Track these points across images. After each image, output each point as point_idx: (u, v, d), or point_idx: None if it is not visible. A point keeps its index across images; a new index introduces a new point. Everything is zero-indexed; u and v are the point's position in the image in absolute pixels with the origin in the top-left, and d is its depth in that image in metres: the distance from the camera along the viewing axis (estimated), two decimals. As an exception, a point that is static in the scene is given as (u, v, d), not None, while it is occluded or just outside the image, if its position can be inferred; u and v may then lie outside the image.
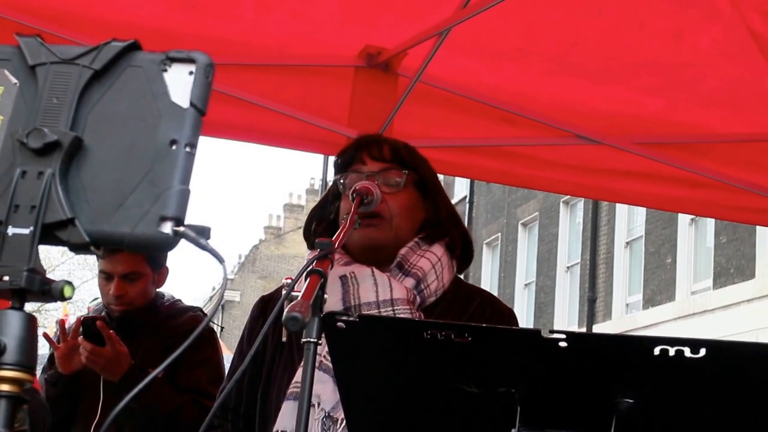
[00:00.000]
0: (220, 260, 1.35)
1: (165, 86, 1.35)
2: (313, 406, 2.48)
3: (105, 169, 1.33)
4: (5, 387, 1.31)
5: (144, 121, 1.34)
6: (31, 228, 1.31)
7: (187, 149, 1.32)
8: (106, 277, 3.94)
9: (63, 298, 1.33)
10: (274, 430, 2.55)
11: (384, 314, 2.57)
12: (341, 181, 2.75)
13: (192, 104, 1.35)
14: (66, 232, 1.31)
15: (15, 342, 1.31)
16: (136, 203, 1.29)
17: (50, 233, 1.32)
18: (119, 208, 1.30)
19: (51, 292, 1.32)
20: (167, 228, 1.29)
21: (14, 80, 1.38)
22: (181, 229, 1.30)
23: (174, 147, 1.32)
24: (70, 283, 1.33)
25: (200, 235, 1.31)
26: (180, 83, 1.36)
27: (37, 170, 1.32)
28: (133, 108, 1.35)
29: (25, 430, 1.18)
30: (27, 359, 1.32)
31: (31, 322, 1.34)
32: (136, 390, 1.43)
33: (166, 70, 1.36)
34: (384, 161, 2.75)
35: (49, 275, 1.33)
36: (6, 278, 1.31)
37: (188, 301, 4.29)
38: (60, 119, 1.34)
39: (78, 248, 1.32)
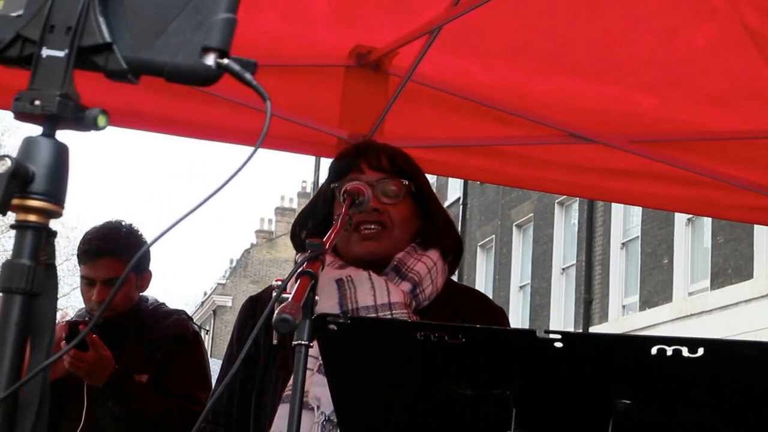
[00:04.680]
0: (264, 97, 1.27)
1: None
2: (313, 409, 2.50)
3: None
4: (32, 217, 1.24)
5: None
6: (66, 51, 1.24)
7: None
8: (88, 282, 3.92)
9: (96, 127, 1.25)
10: None
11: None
12: (338, 189, 2.75)
13: None
14: (103, 57, 1.24)
15: (44, 171, 1.24)
16: (178, 31, 1.23)
17: (86, 58, 1.25)
18: (160, 35, 1.23)
19: (84, 119, 1.25)
20: (210, 60, 1.22)
21: None
22: (225, 61, 1.23)
23: None
24: (104, 112, 1.26)
25: (245, 69, 1.25)
26: None
27: None
28: None
29: (51, 264, 1.13)
30: (56, 190, 1.25)
31: (62, 150, 1.26)
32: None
33: None
34: (382, 171, 2.77)
35: None
36: (38, 102, 1.24)
37: (180, 305, 4.27)
38: None
39: (115, 75, 1.25)
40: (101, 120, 1.26)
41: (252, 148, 1.27)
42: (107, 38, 1.24)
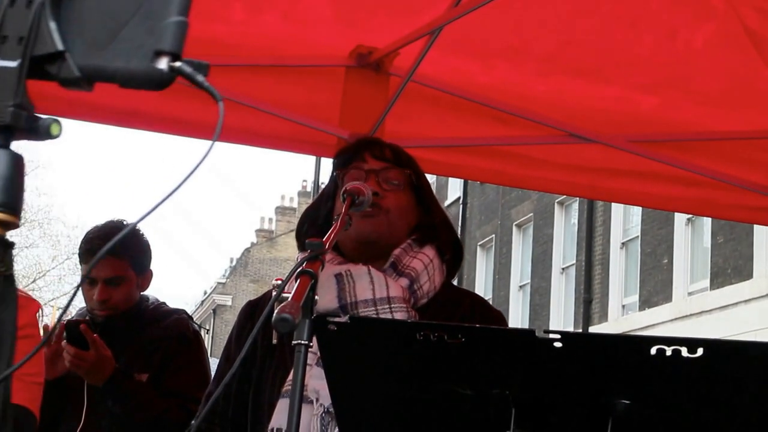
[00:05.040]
0: (217, 98, 1.26)
1: None
2: (312, 402, 2.51)
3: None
4: None
5: None
6: (19, 60, 1.24)
7: None
8: (89, 281, 3.93)
9: (50, 136, 1.26)
10: (270, 427, 2.57)
11: (381, 312, 2.60)
12: (341, 177, 2.77)
13: None
14: (56, 66, 1.24)
15: (0, 182, 1.24)
16: (131, 36, 1.22)
17: (40, 67, 1.25)
18: (112, 41, 1.22)
19: (38, 129, 1.25)
20: (163, 63, 1.21)
21: None
22: (178, 64, 1.22)
23: None
24: (57, 121, 1.26)
25: (197, 71, 1.24)
26: None
27: None
28: None
29: (10, 275, 1.12)
30: (11, 199, 1.25)
31: (17, 161, 1.26)
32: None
33: None
34: (385, 160, 2.79)
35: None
36: None
37: (179, 305, 4.28)
38: None
39: (69, 83, 1.25)
40: (54, 129, 1.26)
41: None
42: (59, 47, 1.24)
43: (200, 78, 1.24)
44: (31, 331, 2.90)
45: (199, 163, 1.29)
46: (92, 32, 1.24)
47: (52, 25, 1.24)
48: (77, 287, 1.58)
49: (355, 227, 2.64)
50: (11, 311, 1.30)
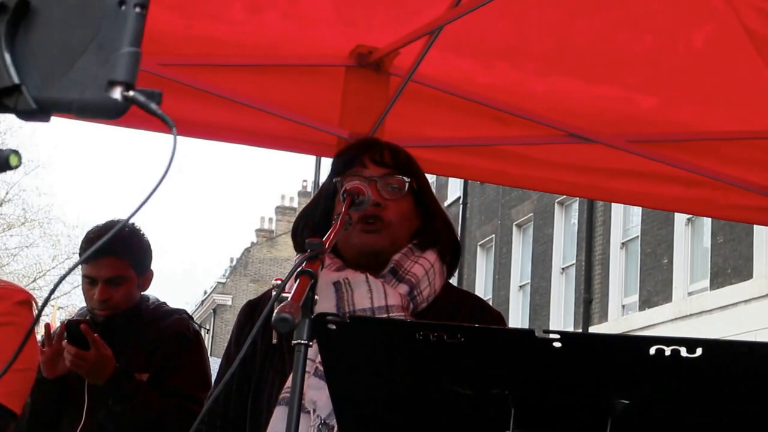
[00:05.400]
0: (170, 125, 1.27)
1: None
2: (309, 412, 2.47)
3: (53, 32, 1.26)
4: None
5: None
6: None
7: (137, 9, 1.25)
8: (90, 281, 3.94)
9: (9, 167, 1.27)
10: None
11: None
12: (340, 183, 2.74)
13: None
14: (13, 98, 1.25)
15: None
16: (84, 68, 1.23)
17: None
18: (67, 73, 1.24)
19: None
20: (116, 93, 1.23)
21: None
22: (131, 93, 1.24)
23: (123, 7, 1.24)
24: (16, 152, 1.28)
25: (150, 100, 1.25)
26: None
27: None
28: None
29: None
30: None
31: None
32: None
33: None
34: (385, 166, 2.76)
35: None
36: None
37: (178, 305, 4.28)
38: None
39: (26, 115, 1.26)
40: (13, 160, 1.27)
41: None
42: (15, 80, 1.25)
43: (153, 106, 1.25)
44: (6, 318, 2.88)
45: (168, 166, 1.29)
46: (47, 64, 1.25)
47: (8, 58, 1.25)
48: (60, 279, 1.59)
49: (358, 241, 2.65)
50: None
